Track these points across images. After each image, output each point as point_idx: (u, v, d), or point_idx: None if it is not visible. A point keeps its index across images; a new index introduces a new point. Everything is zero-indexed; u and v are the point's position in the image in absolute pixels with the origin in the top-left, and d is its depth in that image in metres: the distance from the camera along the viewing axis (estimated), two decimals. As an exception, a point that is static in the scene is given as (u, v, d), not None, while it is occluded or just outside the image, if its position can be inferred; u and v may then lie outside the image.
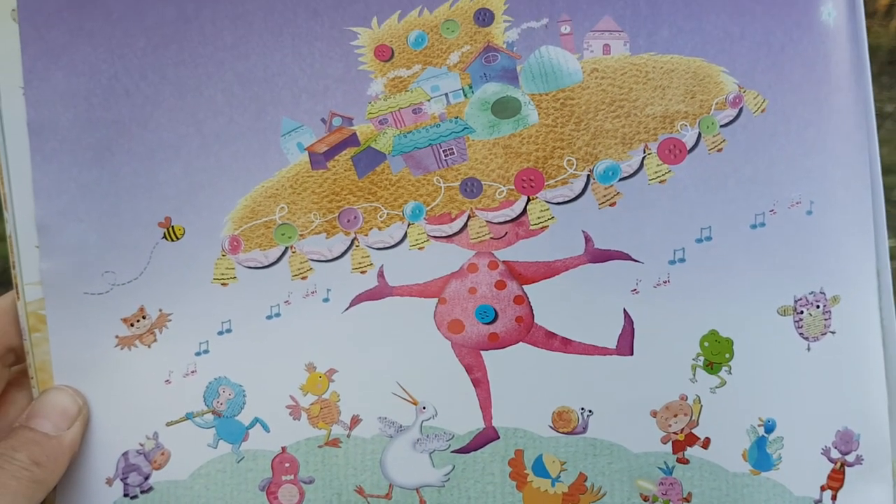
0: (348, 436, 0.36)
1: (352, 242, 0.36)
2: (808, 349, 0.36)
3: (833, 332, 0.36)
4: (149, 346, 0.36)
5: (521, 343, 0.36)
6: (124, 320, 0.36)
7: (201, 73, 0.35)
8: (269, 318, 0.36)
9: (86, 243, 0.35)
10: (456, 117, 0.35)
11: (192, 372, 0.36)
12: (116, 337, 0.36)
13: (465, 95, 0.35)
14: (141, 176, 0.35)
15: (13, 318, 0.36)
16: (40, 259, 0.35)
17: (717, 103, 0.35)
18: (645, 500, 0.35)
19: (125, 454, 0.36)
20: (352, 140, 0.36)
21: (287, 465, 0.36)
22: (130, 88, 0.35)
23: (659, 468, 0.35)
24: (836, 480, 0.36)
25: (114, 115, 0.35)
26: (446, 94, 0.35)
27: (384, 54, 0.35)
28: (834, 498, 0.36)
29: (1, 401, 0.37)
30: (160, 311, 0.36)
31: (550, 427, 0.35)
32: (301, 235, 0.36)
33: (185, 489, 0.36)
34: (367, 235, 0.36)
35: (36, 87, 0.35)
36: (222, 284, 0.36)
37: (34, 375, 0.36)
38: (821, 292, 0.36)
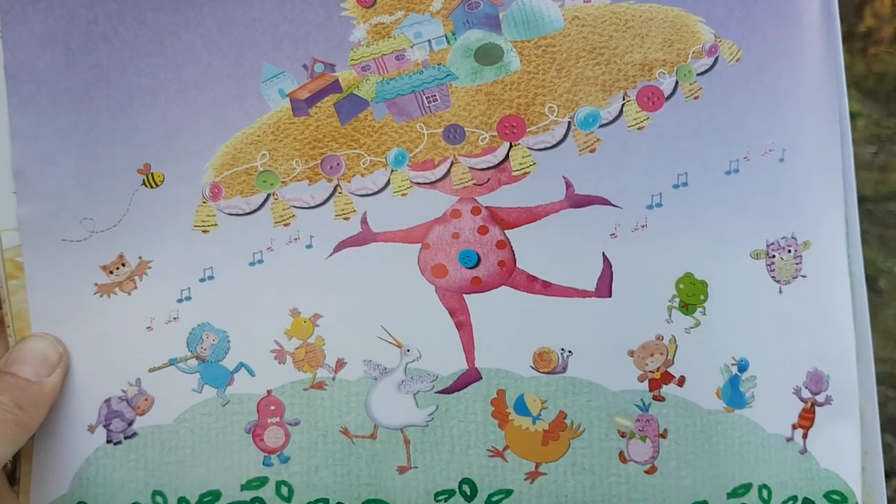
0: (333, 378, 0.36)
1: (334, 189, 0.36)
2: (780, 292, 0.37)
3: (804, 276, 0.37)
4: (129, 294, 0.36)
5: (503, 286, 0.36)
6: (103, 268, 0.36)
7: (180, 19, 0.35)
8: (251, 264, 0.36)
9: (63, 189, 0.35)
10: (439, 64, 0.36)
11: (175, 318, 0.36)
12: (95, 284, 0.36)
13: (448, 42, 0.36)
14: (119, 121, 0.35)
15: (-11, 264, 0.36)
16: (17, 205, 0.35)
17: (693, 52, 0.36)
18: (622, 437, 0.36)
19: (107, 401, 0.36)
20: (334, 86, 0.36)
21: (272, 407, 0.36)
22: (109, 33, 0.35)
23: (636, 405, 0.36)
24: (806, 419, 0.37)
25: (92, 59, 0.35)
26: (429, 41, 0.35)
27: (366, 0, 0.35)
28: (805, 436, 0.37)
29: (-25, 350, 0.37)
30: (140, 258, 0.36)
31: (531, 367, 0.36)
32: (283, 182, 0.36)
33: (171, 433, 0.36)
34: (349, 182, 0.36)
35: (13, 30, 0.34)
36: (203, 231, 0.36)
37: (10, 324, 0.36)
38: (792, 237, 0.37)
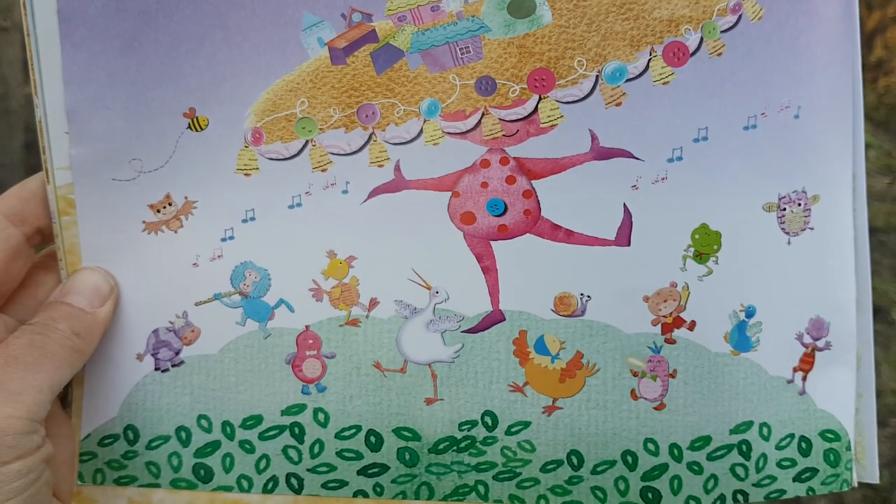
0: (367, 316, 0.38)
1: (370, 137, 0.38)
2: (789, 243, 0.39)
3: (812, 229, 0.39)
4: (175, 232, 0.38)
5: (528, 234, 0.38)
6: (151, 206, 0.37)
7: None
8: (290, 207, 0.38)
9: (114, 131, 0.37)
10: (473, 16, 0.37)
11: (219, 256, 0.38)
12: (143, 222, 0.37)
13: (483, -5, 0.37)
14: (166, 66, 0.36)
15: (42, 199, 0.37)
16: (70, 145, 0.36)
17: (718, 9, 0.37)
18: (635, 375, 0.39)
19: (155, 331, 0.38)
20: (371, 36, 0.37)
21: (310, 341, 0.38)
22: None
23: (648, 347, 0.39)
24: (807, 363, 0.40)
25: (141, 5, 0.36)
26: (464, -6, 0.37)
27: (404, -48, 0.36)
28: (804, 379, 0.40)
29: (28, 282, 0.39)
30: (186, 198, 0.38)
31: (552, 310, 0.38)
32: (321, 129, 0.37)
33: (216, 363, 0.38)
34: (384, 130, 0.38)
35: None
36: (245, 175, 0.38)
37: (62, 258, 0.38)
38: (803, 191, 0.39)
